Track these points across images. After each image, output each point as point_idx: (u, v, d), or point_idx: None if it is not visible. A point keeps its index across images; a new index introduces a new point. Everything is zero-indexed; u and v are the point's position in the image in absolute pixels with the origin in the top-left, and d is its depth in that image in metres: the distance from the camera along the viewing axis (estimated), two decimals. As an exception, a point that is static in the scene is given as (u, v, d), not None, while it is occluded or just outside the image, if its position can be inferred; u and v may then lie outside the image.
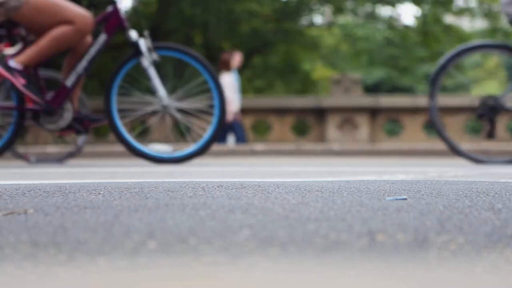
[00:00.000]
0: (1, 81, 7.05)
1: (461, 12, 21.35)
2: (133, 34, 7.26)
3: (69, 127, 7.00)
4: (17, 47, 6.93)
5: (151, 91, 7.50)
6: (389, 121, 16.09)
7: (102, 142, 15.08)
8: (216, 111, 7.19)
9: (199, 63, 7.33)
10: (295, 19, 22.05)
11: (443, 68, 7.60)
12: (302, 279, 1.37)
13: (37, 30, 6.77)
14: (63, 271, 1.50)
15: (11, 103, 7.01)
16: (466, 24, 26.32)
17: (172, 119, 8.36)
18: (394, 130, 19.74)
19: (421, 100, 15.76)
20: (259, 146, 13.52)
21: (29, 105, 6.89)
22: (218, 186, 2.94)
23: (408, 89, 34.61)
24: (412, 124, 15.17)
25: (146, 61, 7.23)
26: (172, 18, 20.55)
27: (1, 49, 6.84)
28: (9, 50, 6.85)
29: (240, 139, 13.73)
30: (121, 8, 7.15)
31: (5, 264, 1.57)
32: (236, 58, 13.52)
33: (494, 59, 42.91)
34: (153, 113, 8.01)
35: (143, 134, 16.53)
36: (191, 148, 7.32)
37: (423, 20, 21.17)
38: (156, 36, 20.39)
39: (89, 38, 7.10)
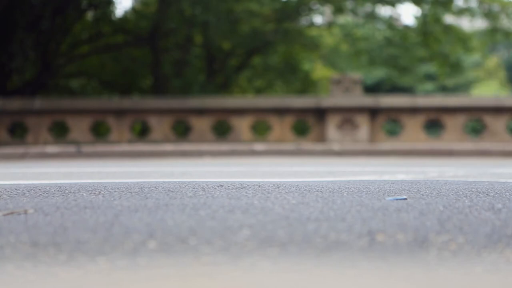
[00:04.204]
0: None
1: (461, 12, 21.32)
2: None
3: None
4: None
5: None
6: (389, 121, 16.10)
7: (102, 142, 15.07)
8: None
9: None
10: (295, 19, 22.02)
11: None
12: (302, 279, 1.37)
13: None
14: (63, 271, 1.50)
15: None
16: (466, 24, 26.30)
17: None
18: (394, 130, 19.73)
19: (421, 100, 15.75)
20: (259, 146, 13.50)
21: None
22: (218, 186, 2.94)
23: (408, 89, 34.61)
24: (412, 124, 15.16)
25: None
26: (172, 18, 20.53)
27: None
28: None
29: None
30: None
31: (5, 264, 1.57)
32: None
33: (494, 59, 42.90)
34: None
35: (143, 133, 16.53)
36: None
37: (423, 20, 21.14)
38: (156, 36, 20.39)
39: None
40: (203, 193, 2.71)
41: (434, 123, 16.02)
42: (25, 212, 2.25)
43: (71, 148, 12.95)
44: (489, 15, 21.32)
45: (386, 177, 4.72)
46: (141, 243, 1.75)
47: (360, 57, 24.14)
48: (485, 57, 33.48)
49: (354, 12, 22.04)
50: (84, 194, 2.72)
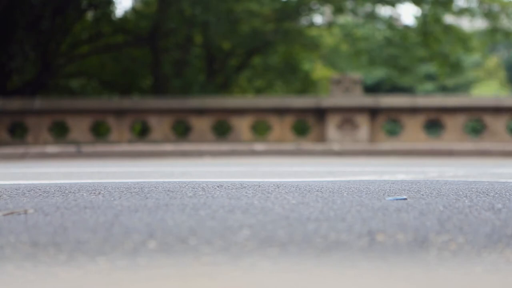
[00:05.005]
0: None
1: (461, 12, 21.32)
2: None
3: None
4: None
5: None
6: (389, 121, 16.10)
7: (102, 142, 15.08)
8: None
9: None
10: (295, 19, 22.03)
11: None
12: (302, 279, 1.37)
13: None
14: (63, 271, 1.50)
15: None
16: (466, 24, 26.31)
17: None
18: (394, 130, 19.72)
19: (421, 100, 15.75)
20: (259, 146, 13.51)
21: None
22: (218, 186, 2.95)
23: (408, 89, 34.61)
24: (412, 124, 15.17)
25: None
26: (172, 18, 20.53)
27: None
28: None
29: None
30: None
31: (5, 264, 1.57)
32: None
33: (494, 59, 42.91)
34: None
35: (143, 133, 16.54)
36: None
37: (423, 20, 21.14)
38: (156, 36, 20.39)
39: None
40: (203, 193, 2.71)
41: (434, 123, 16.02)
42: (25, 212, 2.25)
43: (71, 148, 12.96)
44: (489, 15, 21.32)
45: (386, 177, 4.72)
46: (141, 243, 1.75)
47: (360, 57, 24.13)
48: (485, 57, 33.48)
49: (354, 12, 22.04)
50: (84, 194, 2.72)
